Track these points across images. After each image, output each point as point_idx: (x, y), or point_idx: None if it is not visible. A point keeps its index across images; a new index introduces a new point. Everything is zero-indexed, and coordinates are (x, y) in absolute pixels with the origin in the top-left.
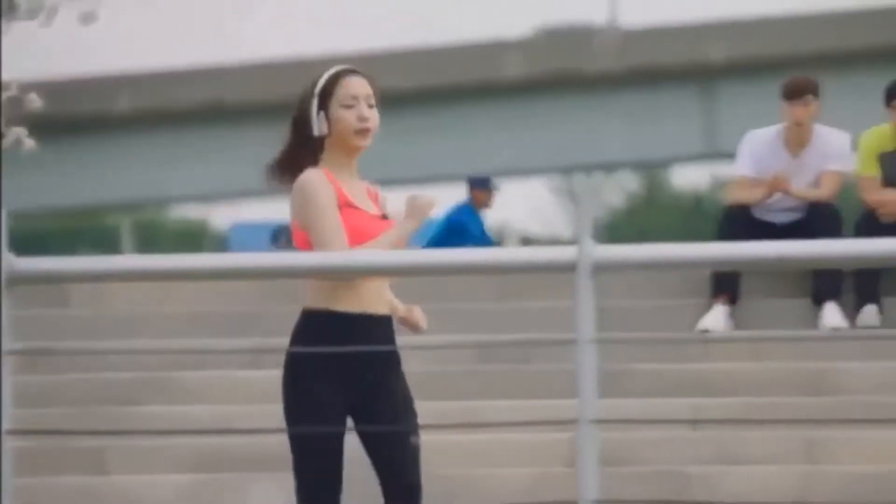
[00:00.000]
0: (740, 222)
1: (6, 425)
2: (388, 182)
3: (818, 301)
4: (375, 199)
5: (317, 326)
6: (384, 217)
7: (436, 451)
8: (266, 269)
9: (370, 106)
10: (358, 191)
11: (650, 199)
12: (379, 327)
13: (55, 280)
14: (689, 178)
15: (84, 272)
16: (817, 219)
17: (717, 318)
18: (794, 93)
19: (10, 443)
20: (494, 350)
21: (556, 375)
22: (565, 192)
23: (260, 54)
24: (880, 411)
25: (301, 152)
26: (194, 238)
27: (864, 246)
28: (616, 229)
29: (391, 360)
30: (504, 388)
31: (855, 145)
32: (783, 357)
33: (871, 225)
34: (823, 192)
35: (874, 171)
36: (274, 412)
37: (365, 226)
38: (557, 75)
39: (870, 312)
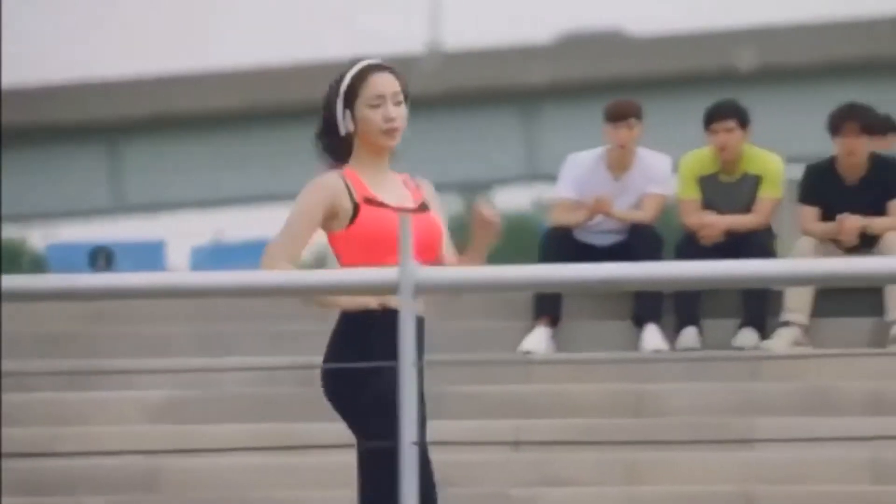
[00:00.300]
0: (562, 244)
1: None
2: None
3: (639, 323)
4: (416, 192)
5: (356, 325)
6: (422, 207)
7: (256, 472)
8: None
9: (397, 103)
10: (390, 185)
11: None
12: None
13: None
14: (511, 199)
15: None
16: (638, 241)
17: (539, 339)
18: (618, 116)
19: None
20: (315, 372)
21: None
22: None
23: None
24: (698, 432)
25: (336, 144)
26: (13, 257)
27: (684, 268)
28: None
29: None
30: (324, 410)
31: (675, 168)
32: (604, 379)
33: (692, 247)
34: (645, 215)
35: (694, 195)
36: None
37: (387, 220)
38: None
39: (689, 334)
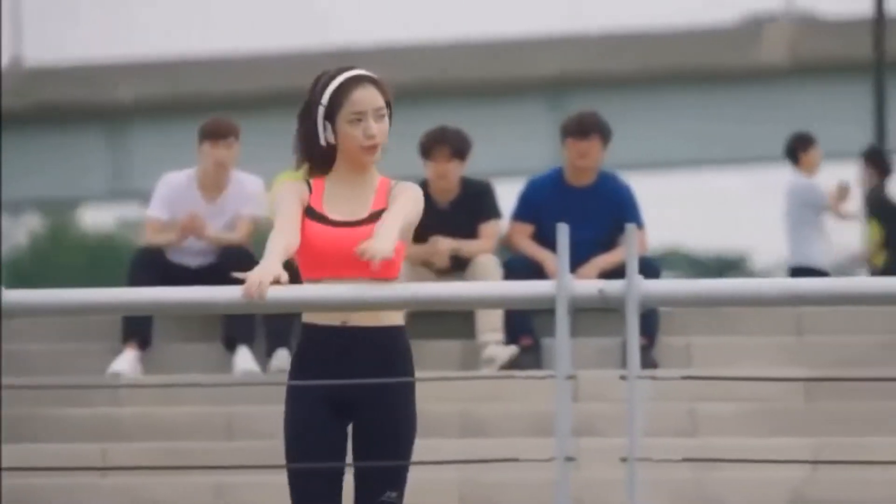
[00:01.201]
0: (153, 265)
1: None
2: None
3: (230, 345)
4: (382, 201)
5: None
6: (371, 218)
7: None
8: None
9: (379, 118)
10: (354, 197)
11: (56, 239)
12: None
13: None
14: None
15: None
16: (230, 262)
17: (127, 362)
18: (217, 134)
19: None
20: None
21: None
22: None
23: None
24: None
25: (317, 152)
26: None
27: (278, 293)
28: (20, 270)
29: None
30: None
31: (268, 188)
32: (195, 401)
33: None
34: (236, 236)
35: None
36: None
37: (318, 235)
38: None
39: (282, 356)
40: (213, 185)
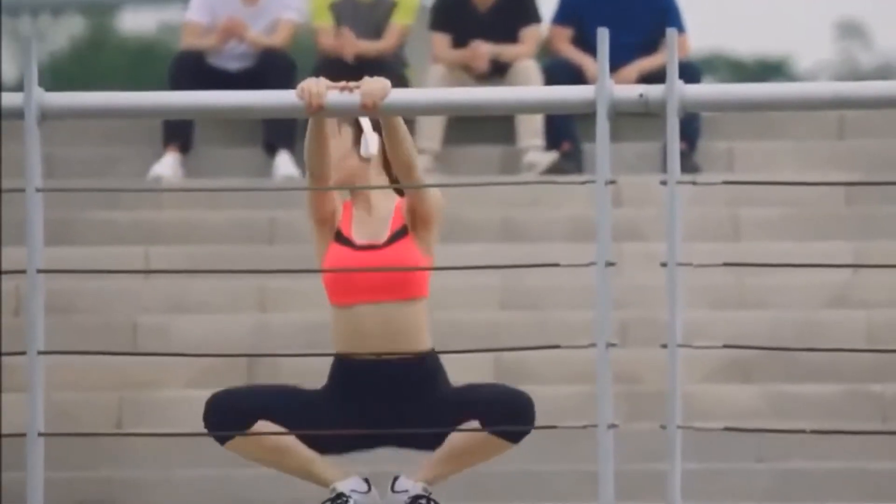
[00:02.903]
0: (193, 69)
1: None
2: None
3: (271, 150)
4: (398, 220)
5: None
6: (393, 238)
7: None
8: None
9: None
10: (375, 219)
11: (97, 43)
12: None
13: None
14: (136, 22)
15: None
16: (269, 66)
17: (169, 166)
18: None
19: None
20: None
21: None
22: (10, 35)
23: None
24: None
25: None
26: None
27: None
28: (61, 74)
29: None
30: None
31: None
32: (237, 206)
33: (327, 73)
34: (276, 40)
35: (327, 20)
36: None
37: (343, 259)
38: None
39: None
40: None
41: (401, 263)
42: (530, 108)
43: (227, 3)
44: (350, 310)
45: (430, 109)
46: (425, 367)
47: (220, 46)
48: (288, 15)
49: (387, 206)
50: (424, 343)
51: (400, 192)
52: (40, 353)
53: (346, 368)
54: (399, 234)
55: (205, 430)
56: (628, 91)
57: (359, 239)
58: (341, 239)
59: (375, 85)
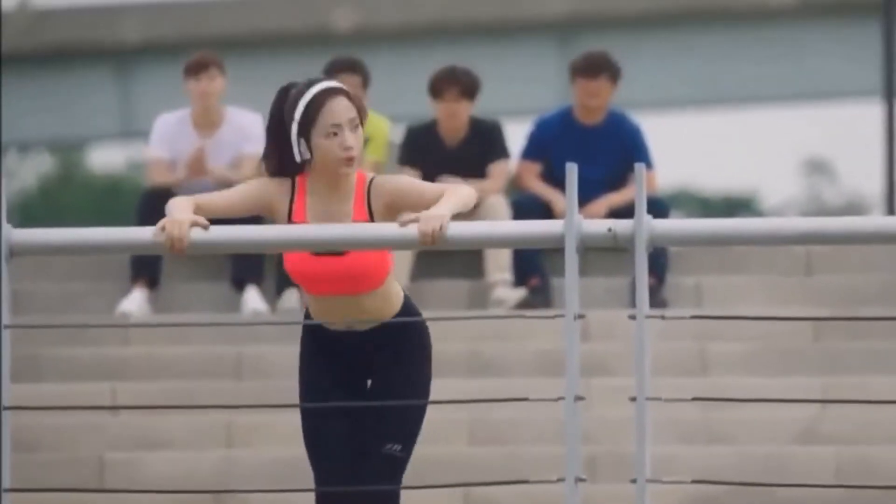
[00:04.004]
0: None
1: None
2: None
3: (239, 285)
4: (360, 208)
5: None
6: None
7: None
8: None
9: (354, 128)
10: (333, 209)
11: (65, 180)
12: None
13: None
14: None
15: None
16: None
17: (136, 302)
18: (197, 68)
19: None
20: None
21: None
22: None
23: None
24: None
25: (288, 167)
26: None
27: (287, 232)
28: (29, 212)
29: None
30: None
31: None
32: (204, 341)
33: None
34: (242, 174)
35: None
36: None
37: (299, 257)
38: None
39: (290, 296)
40: (205, 121)
41: (363, 270)
42: (500, 242)
43: (185, 137)
44: (319, 297)
45: (399, 244)
46: (404, 324)
47: (189, 181)
48: (249, 148)
49: (347, 193)
50: (394, 307)
51: None
52: (7, 490)
53: (318, 334)
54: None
55: None
56: (597, 226)
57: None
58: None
59: (432, 224)
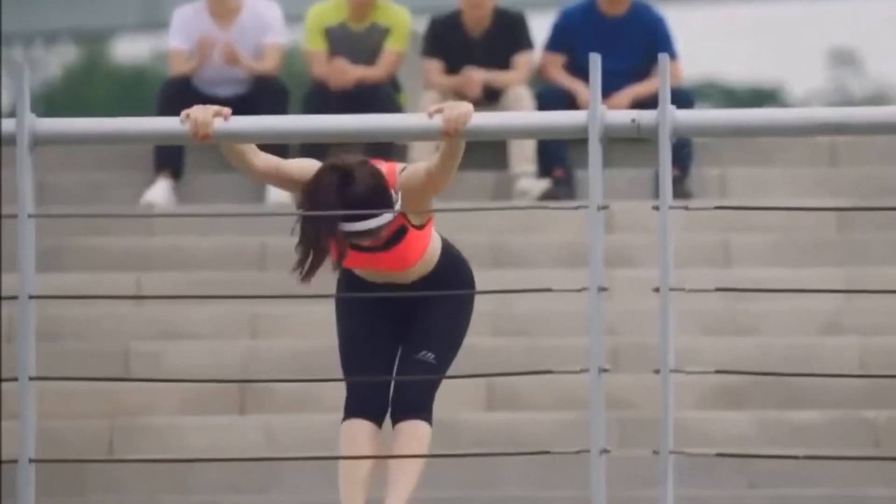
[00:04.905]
0: (182, 95)
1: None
2: None
3: None
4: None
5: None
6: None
7: None
8: None
9: None
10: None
11: (90, 71)
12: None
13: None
14: (130, 50)
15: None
16: (262, 93)
17: (161, 192)
18: None
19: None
20: None
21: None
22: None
23: None
24: (324, 286)
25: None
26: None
27: (314, 122)
28: (54, 102)
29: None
30: None
31: (301, 20)
32: (228, 231)
33: (319, 99)
34: (266, 65)
35: (321, 46)
36: None
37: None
38: None
39: None
40: (223, 10)
41: (407, 259)
42: (523, 132)
43: (203, 26)
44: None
45: (422, 134)
46: (443, 267)
47: (201, 68)
48: (272, 39)
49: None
50: (435, 258)
51: (378, 156)
52: (31, 378)
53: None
54: (399, 234)
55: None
56: (621, 116)
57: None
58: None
59: (458, 111)
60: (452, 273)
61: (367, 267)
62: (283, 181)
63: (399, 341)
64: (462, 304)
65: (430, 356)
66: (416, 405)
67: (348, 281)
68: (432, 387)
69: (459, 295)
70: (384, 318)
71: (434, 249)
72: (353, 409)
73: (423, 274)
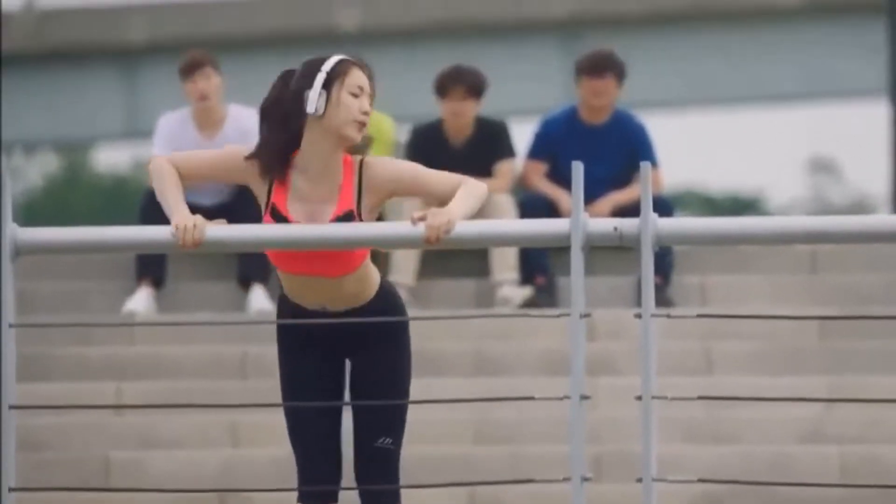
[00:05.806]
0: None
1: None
2: None
3: (245, 284)
4: (347, 193)
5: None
6: (345, 217)
7: None
8: None
9: (370, 102)
10: (319, 188)
11: (71, 180)
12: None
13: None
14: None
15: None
16: (244, 202)
17: (142, 301)
18: (192, 67)
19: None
20: None
21: None
22: None
23: None
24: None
25: (281, 139)
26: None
27: (301, 231)
28: (35, 211)
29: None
30: None
31: None
32: (209, 341)
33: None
34: None
35: None
36: None
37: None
38: None
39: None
40: (207, 121)
41: (340, 259)
42: (506, 241)
43: (186, 138)
44: (293, 276)
45: (403, 243)
46: (381, 302)
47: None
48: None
49: (336, 174)
50: (370, 291)
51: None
52: (11, 490)
53: (296, 313)
54: (344, 218)
55: None
56: (603, 224)
57: (295, 217)
58: (277, 216)
59: (441, 219)
60: (391, 313)
61: (302, 271)
62: (217, 176)
63: (341, 379)
64: (402, 346)
65: (388, 441)
66: (390, 502)
67: (289, 313)
68: (395, 474)
69: (398, 336)
70: (325, 358)
71: (371, 279)
72: (308, 494)
73: (358, 305)
